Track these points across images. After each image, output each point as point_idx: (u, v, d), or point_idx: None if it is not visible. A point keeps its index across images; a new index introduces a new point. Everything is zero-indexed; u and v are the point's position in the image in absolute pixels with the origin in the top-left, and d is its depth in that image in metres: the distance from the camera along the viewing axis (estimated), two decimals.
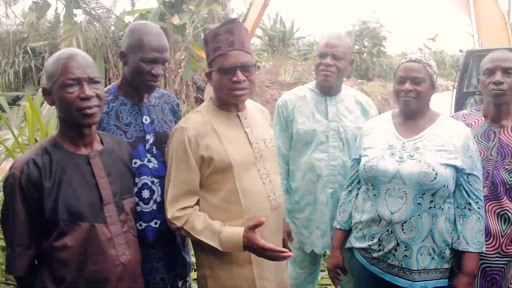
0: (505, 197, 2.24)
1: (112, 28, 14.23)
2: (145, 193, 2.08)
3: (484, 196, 2.20)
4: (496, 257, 2.28)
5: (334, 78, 2.56)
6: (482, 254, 2.20)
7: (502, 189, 2.22)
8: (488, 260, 2.29)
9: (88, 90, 1.65)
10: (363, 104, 2.70)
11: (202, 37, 16.34)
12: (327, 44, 2.58)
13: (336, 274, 2.38)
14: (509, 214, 2.24)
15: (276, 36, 25.91)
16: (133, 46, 2.04)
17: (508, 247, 2.28)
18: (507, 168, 2.23)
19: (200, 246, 2.00)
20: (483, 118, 2.36)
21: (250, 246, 1.88)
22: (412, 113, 2.15)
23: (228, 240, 1.90)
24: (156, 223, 2.11)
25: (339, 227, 2.35)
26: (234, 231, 1.91)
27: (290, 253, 1.91)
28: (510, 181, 2.23)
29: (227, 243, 1.90)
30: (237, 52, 1.95)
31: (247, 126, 2.08)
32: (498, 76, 2.24)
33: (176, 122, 2.25)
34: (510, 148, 2.24)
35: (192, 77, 14.73)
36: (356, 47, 25.72)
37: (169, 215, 1.93)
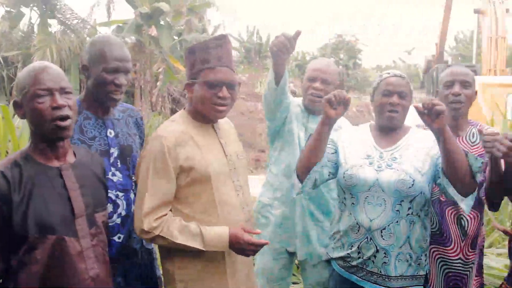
0: None
1: (88, 38, 14.11)
2: (109, 207, 2.03)
3: (444, 201, 2.33)
4: (459, 263, 2.36)
5: (321, 102, 2.62)
6: (445, 259, 2.36)
7: None
8: (451, 265, 2.37)
9: (60, 100, 1.62)
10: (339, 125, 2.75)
11: (179, 49, 16.37)
12: (317, 69, 2.70)
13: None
14: (466, 218, 2.33)
15: (252, 48, 26.10)
16: (94, 58, 2.05)
17: (469, 253, 2.36)
18: None
19: (169, 260, 1.98)
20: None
21: (237, 241, 1.89)
22: (394, 127, 2.22)
23: (212, 237, 1.88)
24: (119, 237, 2.08)
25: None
26: (218, 228, 1.91)
27: (266, 241, 1.97)
28: None
29: (211, 241, 1.88)
30: (226, 69, 1.99)
31: (222, 137, 2.09)
32: (456, 88, 2.40)
33: (139, 136, 2.25)
34: None
35: (168, 88, 14.70)
36: (332, 59, 26.05)
37: (145, 226, 1.87)
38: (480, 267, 2.49)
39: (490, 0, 11.04)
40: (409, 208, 2.08)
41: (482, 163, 2.00)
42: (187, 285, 1.96)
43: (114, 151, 2.12)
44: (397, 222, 2.07)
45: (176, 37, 16.36)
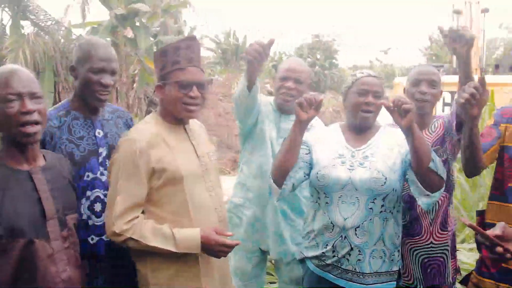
0: None
1: (62, 40, 13.91)
2: (98, 206, 2.08)
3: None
4: (431, 246, 2.45)
5: (293, 102, 2.64)
6: (418, 247, 2.46)
7: None
8: (425, 251, 2.46)
9: (30, 105, 1.61)
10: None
11: (154, 50, 16.26)
12: (290, 68, 2.72)
13: None
14: (438, 202, 2.42)
15: (229, 50, 26.09)
16: (81, 58, 2.11)
17: (439, 234, 2.45)
18: None
19: (143, 263, 1.98)
20: None
21: (208, 243, 1.90)
22: (367, 126, 2.24)
23: (184, 239, 1.89)
24: (92, 239, 2.09)
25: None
26: (190, 230, 1.92)
27: (238, 241, 2.01)
28: None
29: (183, 243, 1.89)
30: (196, 69, 2.03)
31: (194, 138, 2.11)
32: (423, 87, 2.48)
33: None
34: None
35: (144, 90, 14.60)
36: (309, 60, 26.23)
37: (116, 229, 1.87)
38: (453, 249, 2.57)
39: (466, 1, 11.23)
40: (382, 206, 2.12)
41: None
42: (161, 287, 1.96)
43: (103, 151, 2.15)
44: (370, 220, 2.11)
45: (152, 39, 16.26)
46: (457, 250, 3.12)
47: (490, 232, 1.60)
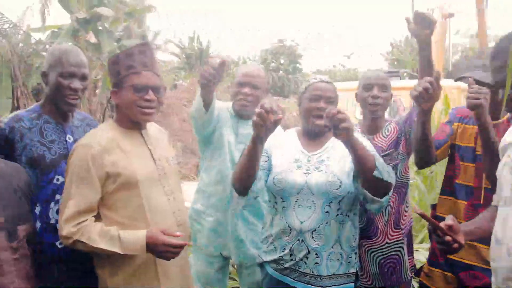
0: None
1: (20, 44, 13.54)
2: None
3: None
4: (386, 246, 2.54)
5: (251, 107, 2.70)
6: (375, 248, 2.54)
7: None
8: (381, 251, 2.55)
9: None
10: None
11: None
12: (246, 74, 2.75)
13: None
14: (390, 204, 2.51)
15: (193, 54, 25.99)
16: (52, 64, 2.18)
17: (393, 233, 2.53)
18: None
19: (101, 267, 2.01)
20: (359, 131, 2.63)
21: (154, 244, 1.90)
22: (322, 131, 2.26)
23: (129, 241, 1.91)
24: (61, 243, 2.09)
25: None
26: (136, 232, 1.94)
27: (188, 243, 2.04)
28: None
29: (129, 245, 1.91)
30: (150, 73, 2.08)
31: (150, 143, 2.15)
32: (375, 91, 2.55)
33: None
34: (380, 149, 2.52)
35: (107, 96, 14.36)
36: (273, 64, 26.42)
37: (64, 232, 1.90)
38: (410, 247, 2.66)
39: (428, 8, 11.54)
40: (338, 209, 2.16)
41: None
42: None
43: None
44: (327, 223, 2.14)
45: (115, 43, 16.03)
46: (416, 250, 3.26)
47: (442, 223, 1.71)
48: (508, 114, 2.45)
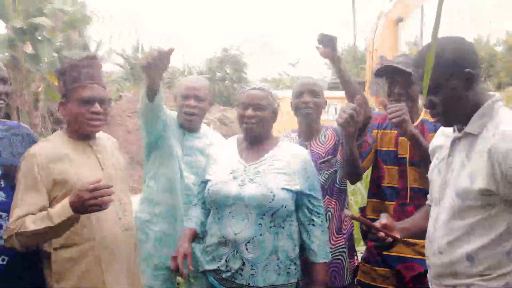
0: (327, 197, 2.59)
1: None
2: None
3: None
4: (330, 251, 2.58)
5: (197, 118, 2.72)
6: None
7: (322, 191, 2.52)
8: None
9: None
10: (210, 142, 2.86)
11: (58, 66, 15.56)
12: (189, 86, 2.76)
13: None
14: (331, 211, 2.61)
15: (137, 64, 25.55)
16: None
17: (335, 238, 2.63)
18: (320, 172, 2.58)
19: (48, 275, 2.05)
20: (297, 137, 2.75)
21: (77, 199, 1.88)
22: (255, 138, 2.32)
23: (56, 210, 1.92)
24: (3, 259, 2.07)
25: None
26: (61, 202, 1.96)
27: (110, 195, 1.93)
28: (324, 181, 2.59)
29: (56, 213, 1.90)
30: (96, 86, 2.13)
31: (99, 152, 2.20)
32: (306, 97, 2.65)
33: None
34: (318, 155, 2.62)
35: (48, 108, 13.90)
36: (218, 74, 26.42)
37: (6, 234, 1.95)
38: (352, 250, 2.77)
39: (380, 15, 11.42)
40: (271, 221, 2.17)
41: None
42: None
43: None
44: (261, 234, 2.15)
45: (55, 54, 15.55)
46: (361, 253, 3.38)
47: (376, 223, 1.83)
48: (421, 118, 2.64)
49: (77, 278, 2.05)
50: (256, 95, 2.29)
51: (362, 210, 2.84)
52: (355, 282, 2.79)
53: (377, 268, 2.69)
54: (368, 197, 2.81)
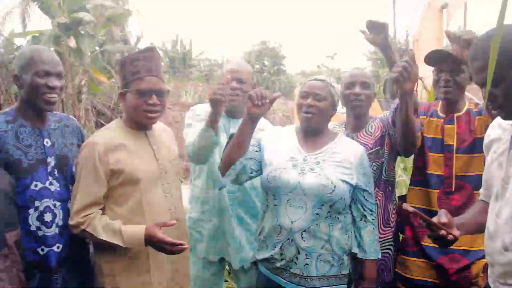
0: (375, 189, 2.49)
1: (2, 50, 13.40)
2: (48, 217, 2.09)
3: None
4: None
5: (240, 100, 2.68)
6: None
7: None
8: None
9: None
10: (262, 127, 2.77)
11: (100, 60, 15.93)
12: (231, 70, 2.73)
13: None
14: (377, 203, 2.51)
15: (176, 58, 25.90)
16: (24, 65, 2.10)
17: (382, 231, 2.55)
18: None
19: (100, 254, 2.15)
20: (343, 128, 2.68)
21: (151, 239, 2.03)
22: (312, 129, 2.28)
23: (130, 234, 2.04)
24: (58, 247, 2.11)
25: None
26: (136, 226, 2.08)
27: (186, 246, 2.08)
28: (373, 173, 2.48)
29: (129, 238, 2.04)
30: (154, 78, 2.18)
31: (154, 143, 2.27)
32: (357, 89, 2.57)
33: (78, 145, 2.30)
34: (366, 146, 2.52)
35: (91, 101, 14.26)
36: (257, 66, 26.45)
37: (73, 222, 2.06)
38: (396, 243, 2.69)
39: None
40: (329, 212, 2.15)
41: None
42: (115, 278, 2.13)
43: (51, 161, 2.15)
44: (317, 224, 2.13)
45: (97, 48, 15.91)
46: None
47: (436, 219, 1.74)
48: (466, 106, 2.54)
49: (126, 264, 2.13)
50: (317, 85, 2.26)
51: (401, 198, 2.75)
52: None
53: (414, 259, 2.61)
54: (411, 184, 2.72)
